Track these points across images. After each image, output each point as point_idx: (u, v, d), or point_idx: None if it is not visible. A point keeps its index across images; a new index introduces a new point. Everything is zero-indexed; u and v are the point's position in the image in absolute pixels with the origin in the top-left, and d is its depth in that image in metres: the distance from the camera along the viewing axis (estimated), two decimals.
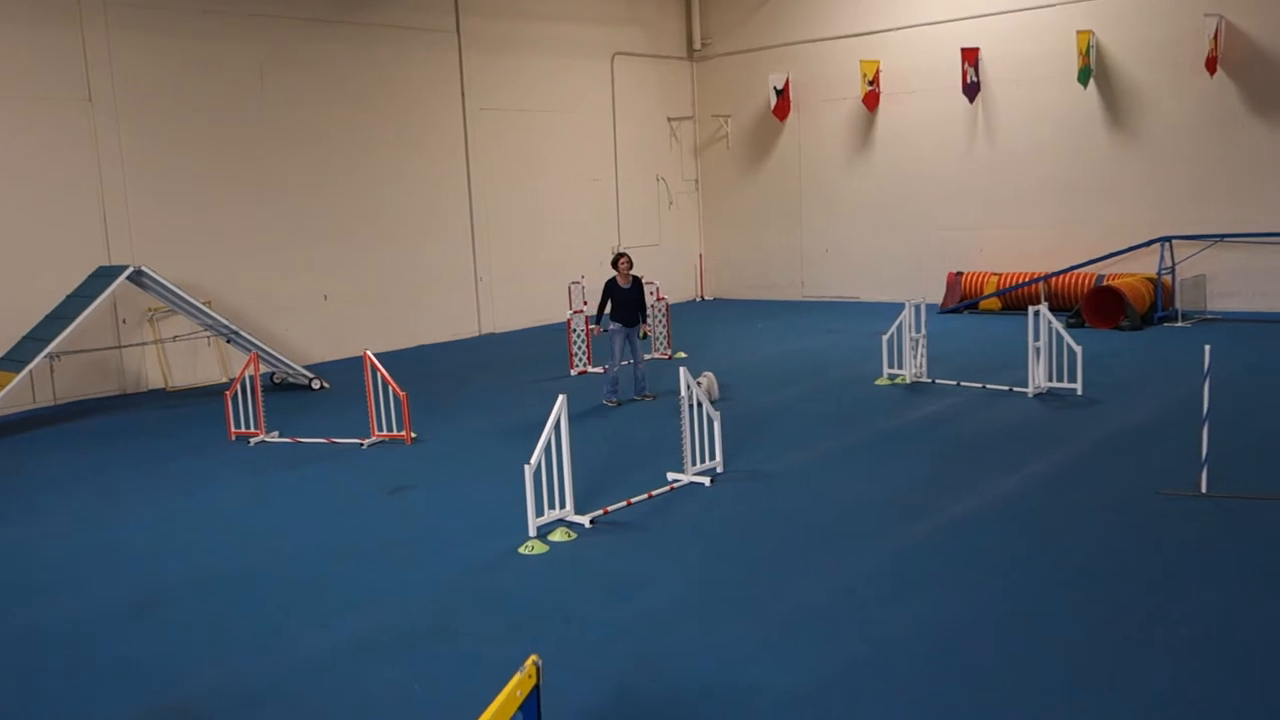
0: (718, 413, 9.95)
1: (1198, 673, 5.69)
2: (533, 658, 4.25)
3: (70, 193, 15.49)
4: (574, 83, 22.64)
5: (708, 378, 12.85)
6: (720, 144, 25.17)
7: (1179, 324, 17.65)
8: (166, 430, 13.44)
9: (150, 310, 16.14)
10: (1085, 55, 19.16)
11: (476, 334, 20.96)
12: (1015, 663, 5.89)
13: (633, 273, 13.37)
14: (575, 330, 15.84)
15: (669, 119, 24.83)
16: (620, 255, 13.44)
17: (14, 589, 7.91)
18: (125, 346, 16.01)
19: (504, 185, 21.29)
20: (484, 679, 5.73)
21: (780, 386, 14.13)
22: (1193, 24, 18.28)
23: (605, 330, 13.37)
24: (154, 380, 16.44)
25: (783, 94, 23.46)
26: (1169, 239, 18.45)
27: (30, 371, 13.54)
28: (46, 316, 14.12)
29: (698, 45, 25.03)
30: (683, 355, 16.53)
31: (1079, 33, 19.21)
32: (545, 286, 21.17)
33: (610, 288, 13.27)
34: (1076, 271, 19.32)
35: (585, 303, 15.88)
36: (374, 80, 19.08)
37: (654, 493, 9.36)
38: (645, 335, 13.51)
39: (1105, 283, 18.23)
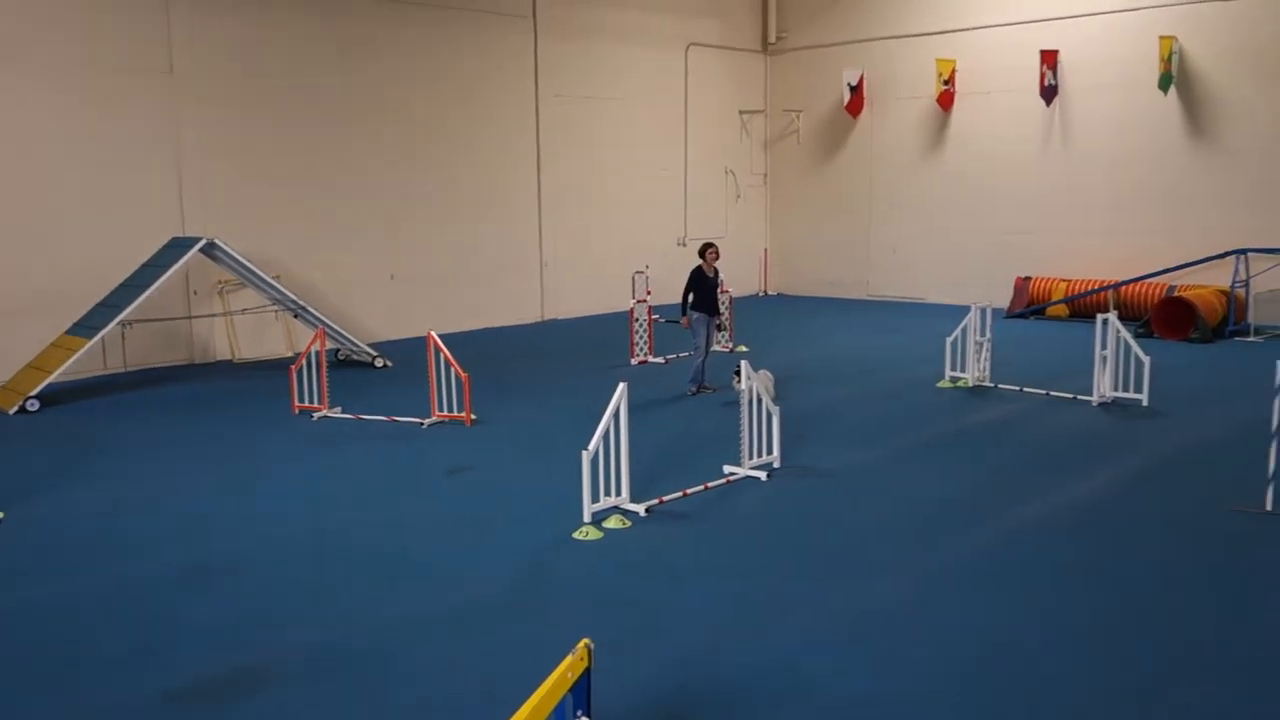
0: (777, 408, 9.92)
1: (1260, 692, 5.59)
2: (585, 641, 4.29)
3: (148, 163, 15.80)
4: (647, 72, 22.64)
5: (764, 375, 12.80)
6: (791, 139, 25.04)
7: (1251, 338, 17.27)
8: (232, 401, 13.68)
9: (221, 282, 16.42)
10: (1167, 61, 18.78)
11: (539, 319, 21.07)
12: (1074, 673, 5.82)
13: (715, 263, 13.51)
14: (638, 319, 15.86)
15: (740, 112, 24.74)
16: (709, 245, 13.51)
17: (77, 551, 8.10)
18: (195, 317, 16.32)
19: (573, 172, 21.36)
20: (535, 660, 5.77)
21: (841, 384, 14.05)
22: (1279, 31, 17.84)
23: (691, 320, 13.38)
24: (222, 351, 16.73)
25: (856, 90, 23.28)
26: (1244, 251, 18.04)
27: (102, 338, 13.86)
28: (120, 284, 14.42)
29: (772, 39, 24.90)
30: (744, 349, 16.48)
31: (1161, 38, 18.83)
32: (609, 274, 21.21)
33: (696, 276, 13.31)
34: (1147, 281, 18.99)
35: (649, 292, 15.89)
36: (448, 63, 19.22)
37: (710, 485, 9.36)
38: (721, 327, 13.53)
39: (1177, 293, 17.89)
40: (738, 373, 10.22)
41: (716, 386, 13.48)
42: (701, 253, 13.47)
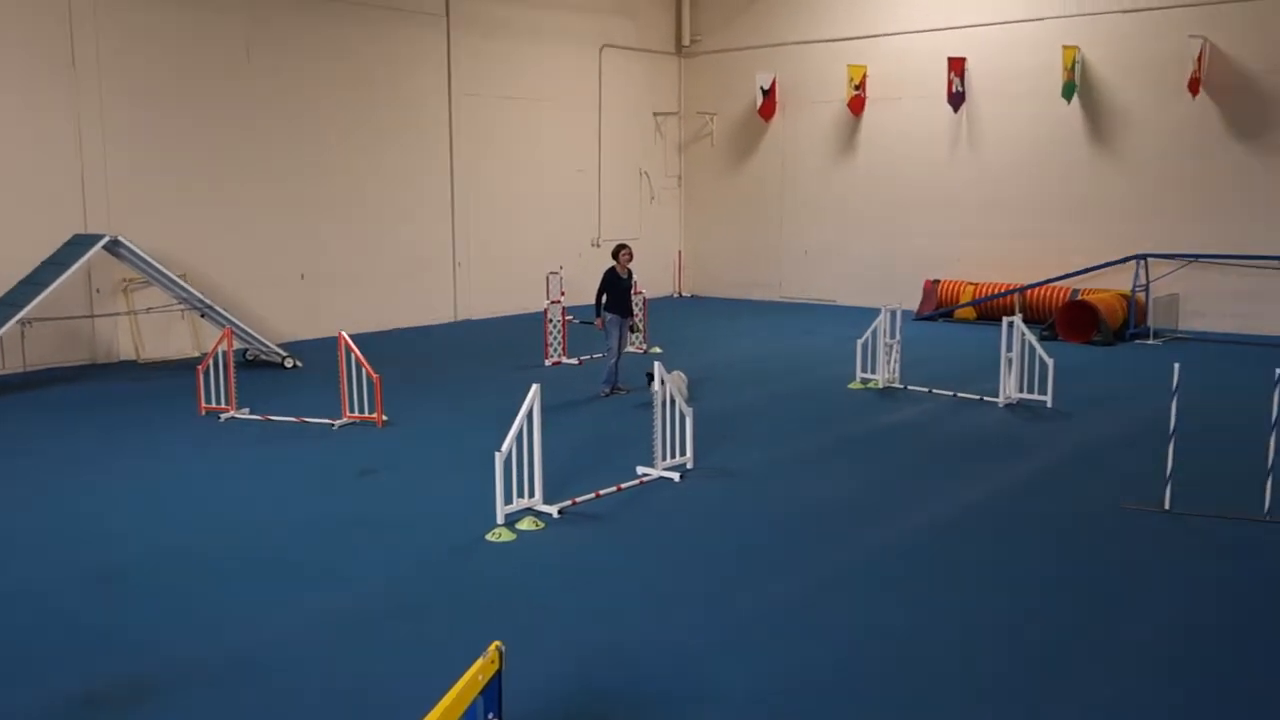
0: (690, 409, 9.98)
1: (1149, 683, 5.76)
2: (496, 644, 4.28)
3: (49, 159, 15.36)
4: (561, 73, 22.60)
5: (678, 376, 12.85)
6: (704, 141, 25.19)
7: (1150, 341, 17.80)
8: (136, 402, 13.36)
9: (125, 281, 16.02)
10: (1070, 70, 19.28)
11: (452, 319, 20.92)
12: (969, 668, 5.95)
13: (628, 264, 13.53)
14: (552, 320, 15.83)
15: (655, 114, 24.82)
16: (622, 246, 13.53)
17: None
18: (98, 316, 15.90)
19: (486, 172, 21.25)
20: (447, 663, 5.74)
21: (753, 386, 14.17)
22: (1178, 45, 18.42)
23: (605, 322, 13.36)
24: (126, 351, 16.33)
25: (769, 94, 23.49)
26: (1144, 257, 18.59)
27: (0, 337, 13.43)
28: (20, 282, 14.01)
29: (686, 41, 25.02)
30: (658, 350, 16.55)
31: (1065, 48, 19.33)
32: (523, 275, 21.15)
33: (610, 278, 13.31)
34: (1052, 285, 19.46)
35: (562, 293, 15.87)
36: (361, 60, 18.99)
37: (623, 486, 9.38)
38: (634, 328, 13.58)
39: (1080, 297, 18.37)
40: (651, 375, 10.28)
41: (630, 388, 13.51)
42: (615, 254, 13.49)
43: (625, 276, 13.42)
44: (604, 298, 13.33)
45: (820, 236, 23.47)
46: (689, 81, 25.35)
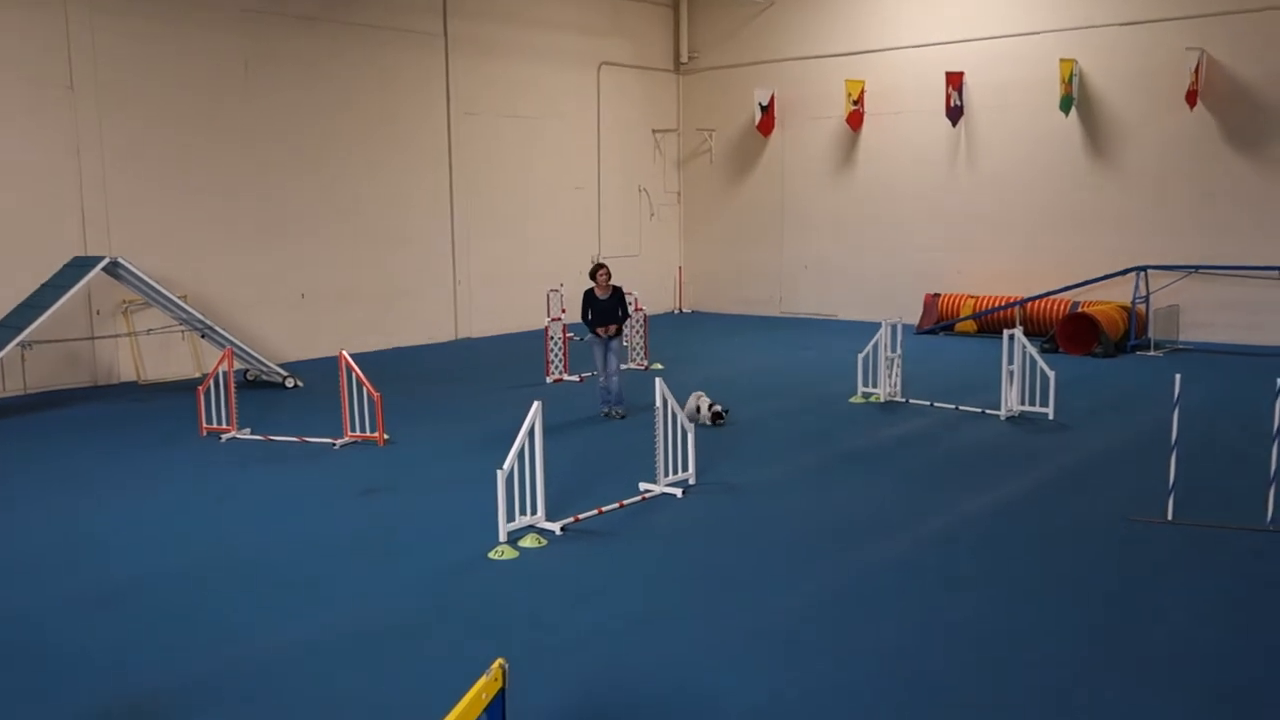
0: (692, 425, 9.97)
1: (1157, 694, 5.73)
2: (499, 661, 4.25)
3: (48, 181, 15.39)
4: (560, 91, 22.66)
5: (697, 396, 12.75)
6: (703, 158, 25.24)
7: (1151, 353, 17.78)
8: (137, 423, 13.35)
9: (125, 302, 16.03)
10: (1068, 84, 19.33)
11: (453, 337, 20.92)
12: (976, 682, 5.92)
13: (612, 283, 13.37)
14: (553, 338, 15.83)
15: (653, 131, 24.88)
16: (599, 266, 13.42)
17: None
18: (98, 338, 15.90)
19: (486, 190, 21.28)
20: (449, 681, 5.71)
21: (755, 401, 14.15)
22: (1175, 57, 18.47)
23: (597, 335, 13.22)
24: (126, 373, 16.33)
25: (767, 110, 23.55)
26: (1144, 268, 18.61)
27: (1, 359, 13.43)
28: (19, 305, 14.02)
29: (684, 58, 25.10)
30: (659, 367, 16.54)
31: (1062, 61, 19.38)
32: (524, 293, 21.15)
33: (589, 298, 13.25)
34: (1052, 297, 19.47)
35: (564, 310, 15.87)
36: (359, 80, 19.04)
37: (625, 502, 9.36)
38: (616, 333, 13.18)
39: (1080, 309, 18.37)
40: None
41: (624, 412, 13.28)
42: (593, 274, 13.30)
43: (605, 297, 13.23)
44: (588, 315, 13.21)
45: (820, 251, 23.49)
46: (687, 98, 25.41)
